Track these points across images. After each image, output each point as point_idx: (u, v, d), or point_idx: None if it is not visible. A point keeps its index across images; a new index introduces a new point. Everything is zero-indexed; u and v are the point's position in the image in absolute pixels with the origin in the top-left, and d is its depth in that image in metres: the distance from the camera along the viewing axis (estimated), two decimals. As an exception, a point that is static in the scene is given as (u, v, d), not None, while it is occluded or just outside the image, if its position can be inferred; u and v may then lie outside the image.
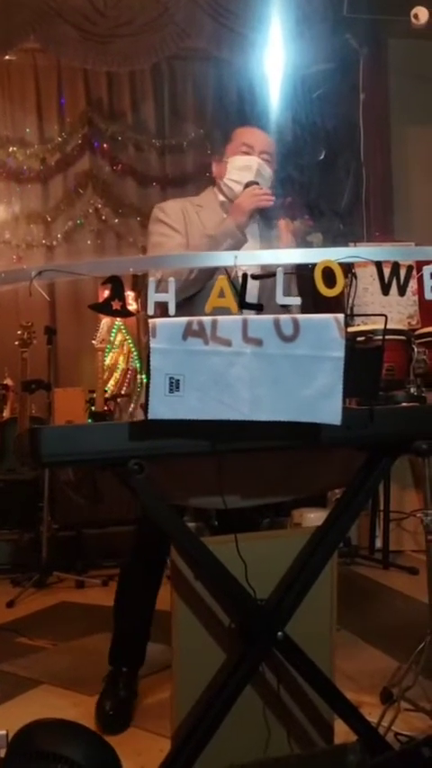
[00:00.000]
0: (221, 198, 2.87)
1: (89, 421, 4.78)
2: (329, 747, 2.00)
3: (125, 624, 2.80)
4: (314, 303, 1.85)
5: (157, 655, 2.91)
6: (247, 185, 2.77)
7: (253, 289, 2.65)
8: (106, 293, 1.80)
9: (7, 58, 5.86)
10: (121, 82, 6.33)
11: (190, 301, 2.53)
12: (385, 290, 1.81)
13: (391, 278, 1.81)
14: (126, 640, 2.79)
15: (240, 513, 1.92)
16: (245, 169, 2.81)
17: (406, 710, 2.42)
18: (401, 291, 1.82)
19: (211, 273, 2.45)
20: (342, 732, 2.00)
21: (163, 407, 1.61)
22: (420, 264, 1.87)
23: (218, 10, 5.34)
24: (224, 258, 1.92)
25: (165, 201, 2.94)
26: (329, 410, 1.67)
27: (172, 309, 1.70)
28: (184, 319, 1.64)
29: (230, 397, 1.64)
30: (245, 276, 1.86)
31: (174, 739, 1.87)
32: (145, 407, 1.62)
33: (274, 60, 5.17)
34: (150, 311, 1.69)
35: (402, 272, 1.81)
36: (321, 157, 5.79)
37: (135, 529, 2.91)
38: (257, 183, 2.77)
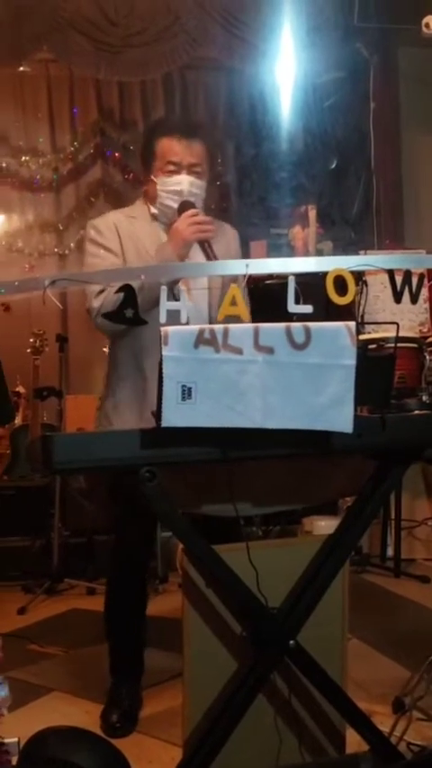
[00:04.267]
0: (154, 210, 2.71)
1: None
2: (341, 757, 1.99)
3: (120, 638, 2.80)
4: (325, 311, 1.86)
5: (168, 662, 2.91)
6: (182, 205, 2.60)
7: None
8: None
9: (21, 69, 5.89)
10: (132, 91, 6.36)
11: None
12: (397, 297, 1.81)
13: (403, 286, 1.82)
14: (123, 653, 2.79)
15: (221, 522, 1.91)
16: (174, 193, 2.62)
17: (418, 720, 2.41)
18: (414, 299, 1.82)
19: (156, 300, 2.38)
20: (354, 742, 1.99)
21: (175, 415, 1.61)
22: (432, 272, 1.87)
23: (229, 20, 5.36)
24: (235, 266, 1.93)
25: (99, 217, 2.81)
26: (341, 418, 1.67)
27: (184, 317, 1.71)
28: (196, 327, 1.64)
29: (242, 405, 1.65)
30: (254, 284, 1.86)
31: (185, 747, 1.87)
32: (157, 415, 1.62)
33: (286, 70, 5.19)
34: (162, 319, 1.69)
35: (414, 280, 1.81)
36: (333, 166, 5.79)
37: (113, 541, 2.90)
38: (192, 204, 2.61)
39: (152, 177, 2.68)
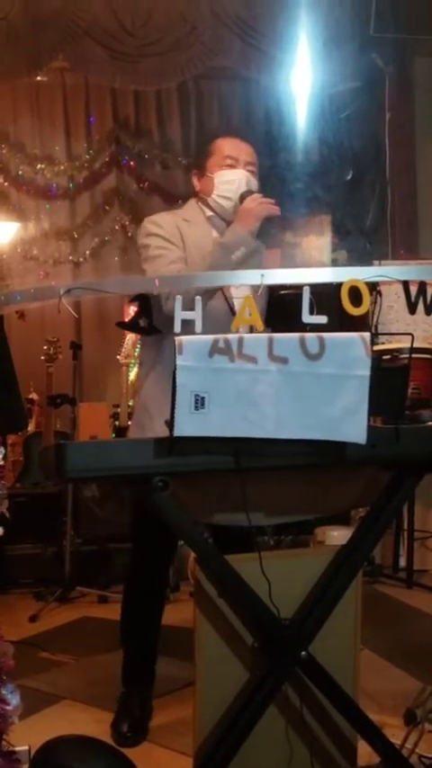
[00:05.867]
0: (209, 213, 2.73)
1: (113, 436, 4.80)
2: (352, 769, 1.98)
3: (134, 646, 2.79)
4: (339, 321, 1.86)
5: (179, 671, 2.90)
6: (244, 195, 2.64)
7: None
8: (131, 310, 1.81)
9: (38, 78, 5.93)
10: (147, 100, 6.40)
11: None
12: (412, 308, 1.81)
13: (418, 297, 1.82)
14: (137, 662, 2.78)
15: (237, 531, 1.91)
16: (232, 183, 2.67)
17: (430, 732, 2.39)
18: (428, 310, 1.82)
19: (212, 293, 2.41)
20: (365, 753, 1.99)
21: (188, 424, 1.62)
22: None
23: (245, 30, 5.38)
24: (250, 276, 1.93)
25: (154, 215, 2.81)
26: (355, 429, 1.67)
27: (198, 327, 1.71)
28: (210, 337, 1.65)
29: (255, 415, 1.65)
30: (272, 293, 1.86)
31: (196, 757, 1.86)
32: (170, 424, 1.63)
33: (301, 79, 5.20)
34: (177, 329, 1.69)
35: (429, 291, 1.81)
36: (348, 177, 5.80)
37: (131, 549, 2.90)
38: (253, 192, 2.65)
39: (208, 174, 2.73)
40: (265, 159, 6.04)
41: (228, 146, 2.72)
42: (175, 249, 2.62)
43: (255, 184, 2.70)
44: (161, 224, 2.69)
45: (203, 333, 1.67)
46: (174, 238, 2.64)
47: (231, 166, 2.69)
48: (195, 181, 2.80)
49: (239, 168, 2.69)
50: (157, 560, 2.77)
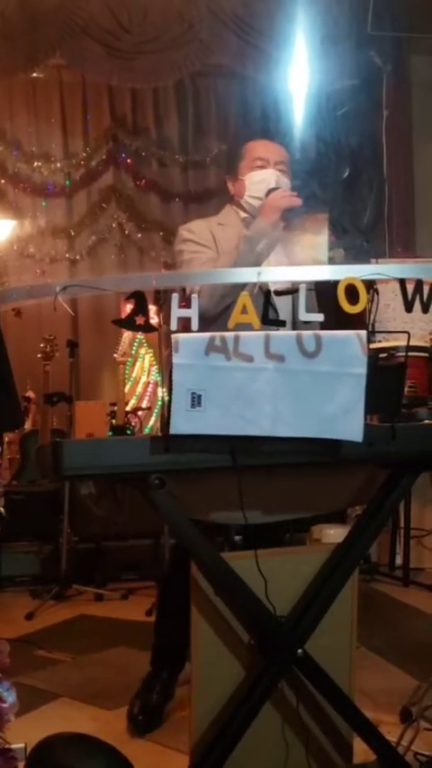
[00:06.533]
0: (243, 215, 2.82)
1: (110, 434, 4.80)
2: (348, 766, 1.99)
3: (166, 638, 2.78)
4: (336, 319, 1.86)
5: (176, 670, 2.90)
6: (270, 191, 2.72)
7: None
8: (128, 308, 1.81)
9: (34, 75, 5.92)
10: (145, 98, 6.38)
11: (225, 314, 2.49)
12: (408, 306, 1.81)
13: (415, 295, 1.81)
14: (167, 652, 2.78)
15: (264, 528, 1.92)
16: (263, 183, 2.76)
17: (425, 730, 2.40)
18: (425, 309, 1.82)
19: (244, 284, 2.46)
20: (361, 751, 1.99)
21: (184, 422, 1.62)
22: (444, 281, 1.87)
23: (243, 27, 5.37)
24: (247, 274, 1.93)
25: (188, 222, 2.91)
26: (351, 427, 1.67)
27: (195, 325, 1.71)
28: (207, 335, 1.65)
29: (252, 413, 1.65)
30: (268, 292, 1.86)
31: (192, 755, 1.87)
32: (166, 422, 1.63)
33: (299, 78, 5.19)
34: (173, 326, 1.69)
35: (426, 289, 1.81)
36: (345, 175, 5.79)
37: (174, 543, 2.90)
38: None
39: (240, 177, 2.81)
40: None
41: (258, 148, 2.83)
42: (208, 251, 2.71)
43: (285, 183, 2.78)
44: (194, 230, 2.79)
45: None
46: (207, 242, 2.73)
47: (262, 167, 2.78)
48: (230, 185, 2.88)
49: (270, 168, 2.78)
50: None
